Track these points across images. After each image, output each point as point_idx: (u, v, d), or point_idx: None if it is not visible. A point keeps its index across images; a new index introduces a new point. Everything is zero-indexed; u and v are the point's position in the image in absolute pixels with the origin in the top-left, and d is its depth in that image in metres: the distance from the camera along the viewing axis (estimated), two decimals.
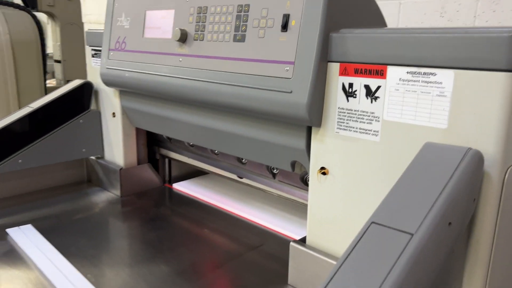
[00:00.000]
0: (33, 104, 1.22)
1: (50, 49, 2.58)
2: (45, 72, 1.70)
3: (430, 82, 0.62)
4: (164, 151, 1.37)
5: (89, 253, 0.95)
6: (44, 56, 1.71)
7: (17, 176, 1.26)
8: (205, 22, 0.91)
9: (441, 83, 0.61)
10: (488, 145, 0.58)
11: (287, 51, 0.76)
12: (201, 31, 0.91)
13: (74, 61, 2.48)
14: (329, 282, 0.46)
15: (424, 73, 0.62)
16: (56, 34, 2.46)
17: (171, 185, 1.39)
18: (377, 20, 0.81)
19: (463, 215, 0.52)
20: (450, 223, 0.49)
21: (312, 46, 0.72)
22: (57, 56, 2.47)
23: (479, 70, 0.57)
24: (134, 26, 1.10)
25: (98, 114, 1.33)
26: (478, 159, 0.55)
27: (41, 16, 2.48)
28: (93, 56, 1.32)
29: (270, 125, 0.86)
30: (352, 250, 0.48)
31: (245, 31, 0.83)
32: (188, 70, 0.94)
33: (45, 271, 0.86)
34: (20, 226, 1.05)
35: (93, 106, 1.34)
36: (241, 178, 1.15)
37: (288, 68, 0.75)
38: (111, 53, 1.17)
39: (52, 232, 1.04)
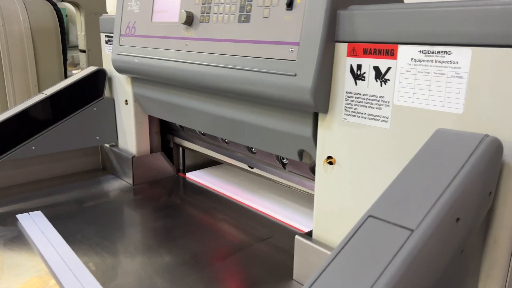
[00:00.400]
0: (46, 91, 1.22)
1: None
2: (65, 61, 1.71)
3: (445, 62, 0.56)
4: (178, 140, 1.35)
5: (94, 241, 0.94)
6: (65, 44, 1.72)
7: (33, 163, 1.26)
8: (210, 3, 0.87)
9: (456, 62, 0.54)
10: (509, 132, 0.51)
11: (292, 31, 0.71)
12: (207, 12, 0.87)
13: (98, 50, 2.49)
14: (317, 278, 0.41)
15: (438, 52, 0.56)
16: (81, 24, 2.48)
17: (185, 174, 1.36)
18: None
19: (475, 211, 0.46)
20: (458, 219, 0.43)
21: (318, 24, 0.66)
22: (82, 46, 2.49)
23: (499, 47, 0.51)
24: (143, 10, 1.07)
25: (111, 102, 1.31)
26: (496, 147, 0.49)
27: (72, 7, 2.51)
28: (106, 43, 1.31)
29: (276, 111, 0.81)
30: (344, 245, 0.43)
31: (250, 11, 0.78)
32: (194, 54, 0.90)
33: (48, 258, 0.85)
34: (30, 212, 1.05)
35: (108, 94, 1.33)
36: (252, 168, 1.11)
37: (292, 49, 0.70)
38: (122, 39, 1.15)
39: (61, 218, 1.04)
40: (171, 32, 0.97)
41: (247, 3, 0.79)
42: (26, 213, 1.05)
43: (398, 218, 0.43)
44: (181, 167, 1.40)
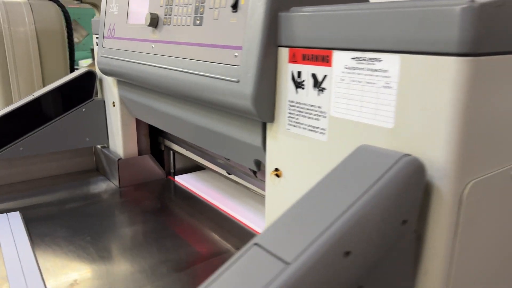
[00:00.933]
0: (35, 93, 1.24)
1: None
2: (72, 62, 1.74)
3: (376, 70, 0.50)
4: (168, 143, 1.33)
5: (60, 245, 0.93)
6: (72, 46, 1.74)
7: (27, 162, 1.28)
8: (172, 5, 0.84)
9: (386, 71, 0.49)
10: (439, 150, 0.45)
11: (237, 35, 0.66)
12: (169, 14, 0.84)
13: None
14: None
15: (370, 59, 0.50)
16: None
17: (174, 177, 1.34)
18: None
19: (377, 243, 0.40)
20: (348, 253, 0.37)
21: (258, 27, 0.62)
22: None
23: (427, 55, 0.44)
24: (121, 12, 1.06)
25: (102, 103, 1.32)
26: (414, 169, 0.43)
27: None
28: (97, 45, 1.31)
29: (230, 118, 0.77)
30: (220, 275, 0.39)
31: (202, 13, 0.74)
32: (158, 58, 0.88)
33: (7, 262, 0.85)
34: (8, 213, 1.07)
35: (100, 96, 1.34)
36: (229, 174, 1.08)
37: (237, 54, 0.66)
38: (105, 41, 1.14)
39: (37, 220, 1.04)
40: (141, 34, 0.95)
41: (200, 4, 0.75)
42: (4, 214, 1.06)
43: (280, 249, 0.38)
44: (171, 170, 1.38)
